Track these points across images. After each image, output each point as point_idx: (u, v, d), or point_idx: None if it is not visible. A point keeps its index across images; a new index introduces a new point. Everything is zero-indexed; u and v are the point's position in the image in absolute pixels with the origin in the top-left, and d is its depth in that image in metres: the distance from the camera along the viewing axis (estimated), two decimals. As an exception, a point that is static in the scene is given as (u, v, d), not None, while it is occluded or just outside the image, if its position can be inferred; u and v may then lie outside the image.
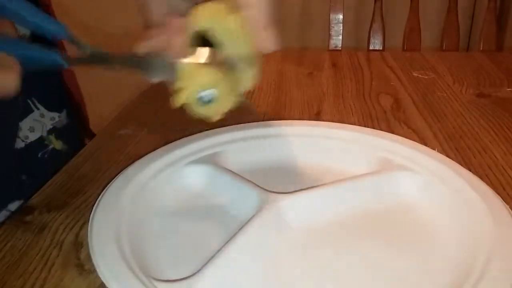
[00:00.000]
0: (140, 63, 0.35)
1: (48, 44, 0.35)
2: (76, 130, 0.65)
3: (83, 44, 0.35)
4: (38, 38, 0.36)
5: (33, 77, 0.58)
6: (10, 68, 0.32)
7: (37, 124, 0.57)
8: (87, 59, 0.35)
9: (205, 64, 0.35)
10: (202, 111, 0.35)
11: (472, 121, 0.57)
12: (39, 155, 0.57)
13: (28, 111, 0.56)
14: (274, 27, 0.34)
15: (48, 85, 0.61)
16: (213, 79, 0.34)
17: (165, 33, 0.34)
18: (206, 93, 0.35)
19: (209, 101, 0.35)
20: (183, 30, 0.34)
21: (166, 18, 0.35)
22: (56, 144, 0.59)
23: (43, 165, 0.57)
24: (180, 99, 0.34)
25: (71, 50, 0.37)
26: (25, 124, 0.56)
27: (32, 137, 0.56)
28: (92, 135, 0.69)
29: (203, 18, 0.34)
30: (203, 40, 0.35)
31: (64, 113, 0.62)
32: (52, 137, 0.59)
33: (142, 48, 0.34)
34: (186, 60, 0.34)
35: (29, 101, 0.57)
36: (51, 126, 0.59)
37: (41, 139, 0.57)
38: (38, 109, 0.57)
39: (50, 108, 0.59)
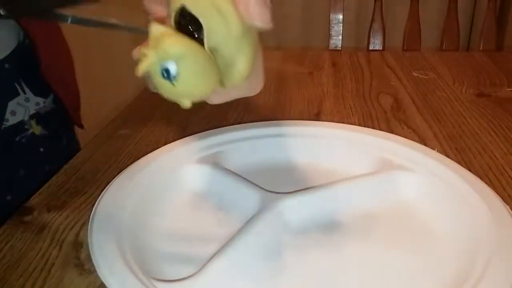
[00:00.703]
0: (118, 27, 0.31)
1: None
2: (60, 117, 0.65)
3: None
4: None
5: (24, 60, 0.58)
6: None
7: (19, 108, 0.56)
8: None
9: (180, 32, 0.29)
10: (165, 88, 0.29)
11: (472, 121, 0.57)
12: (16, 139, 0.56)
13: (14, 94, 0.56)
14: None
15: (38, 69, 0.60)
16: (182, 49, 0.28)
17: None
18: (170, 66, 0.28)
19: (173, 78, 0.28)
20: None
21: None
22: (36, 129, 0.58)
23: (19, 149, 0.57)
24: (142, 67, 0.28)
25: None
26: (8, 108, 0.55)
27: (13, 120, 0.56)
28: (80, 125, 0.69)
29: None
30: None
31: (50, 99, 0.62)
32: (33, 122, 0.58)
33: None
34: (158, 25, 0.28)
35: (16, 84, 0.56)
36: (34, 111, 0.58)
37: (21, 123, 0.57)
38: (24, 93, 0.57)
39: (36, 93, 0.59)
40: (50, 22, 0.64)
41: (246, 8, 0.29)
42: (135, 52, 0.29)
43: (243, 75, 0.31)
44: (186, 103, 0.29)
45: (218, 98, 0.33)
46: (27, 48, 0.59)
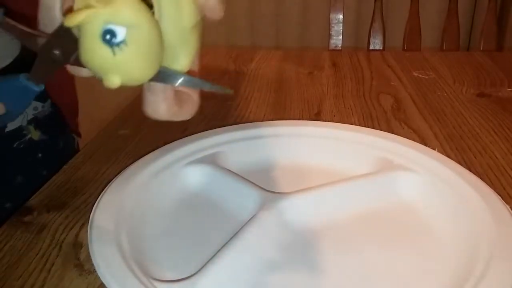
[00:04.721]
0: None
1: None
2: (58, 121, 0.64)
3: (21, 29, 0.27)
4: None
5: (26, 66, 0.58)
6: None
7: None
8: (43, 61, 0.28)
9: None
10: (101, 54, 0.24)
11: (473, 121, 0.57)
12: (14, 145, 0.56)
13: None
14: None
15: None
16: (138, 17, 0.24)
17: None
18: (118, 29, 0.23)
19: (117, 44, 0.24)
20: None
21: None
22: (34, 134, 0.58)
23: (17, 155, 0.56)
24: (77, 17, 0.23)
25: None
26: None
27: (11, 126, 0.55)
28: (77, 133, 0.68)
29: None
30: None
31: (48, 103, 0.61)
32: (31, 127, 0.58)
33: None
34: None
35: None
36: (32, 116, 0.58)
37: (19, 129, 0.56)
38: None
39: (35, 98, 0.59)
40: None
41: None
42: (78, 0, 0.24)
43: (183, 70, 0.28)
44: (115, 81, 0.25)
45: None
46: (28, 53, 0.59)
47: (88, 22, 0.23)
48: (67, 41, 0.26)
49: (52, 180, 0.45)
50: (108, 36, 0.23)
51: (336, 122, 0.55)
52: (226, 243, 0.34)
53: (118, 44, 0.24)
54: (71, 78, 0.69)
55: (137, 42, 0.24)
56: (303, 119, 0.57)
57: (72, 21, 0.23)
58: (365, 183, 0.42)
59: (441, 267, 0.34)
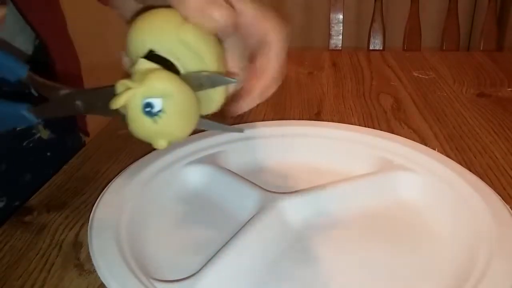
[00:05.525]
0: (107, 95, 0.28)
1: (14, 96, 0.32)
2: (67, 120, 0.64)
3: (49, 85, 0.31)
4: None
5: (38, 64, 0.58)
6: None
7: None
8: (58, 105, 0.31)
9: (164, 69, 0.28)
10: (142, 125, 0.27)
11: (473, 121, 0.57)
12: (23, 144, 0.56)
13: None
14: None
15: (50, 72, 0.60)
16: (170, 86, 0.27)
17: None
18: (155, 101, 0.27)
19: (156, 114, 0.27)
20: None
21: None
22: (44, 133, 0.58)
23: (26, 154, 0.56)
24: (120, 100, 0.26)
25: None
26: None
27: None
28: (85, 132, 0.69)
29: (148, 35, 0.28)
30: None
31: None
32: (40, 126, 0.58)
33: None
34: (145, 60, 0.28)
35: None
36: None
37: (29, 128, 0.56)
38: None
39: None
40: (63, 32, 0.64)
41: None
42: (119, 85, 0.27)
43: (219, 105, 0.31)
44: (162, 144, 0.28)
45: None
46: (40, 52, 0.59)
47: (130, 101, 0.27)
48: (91, 98, 0.30)
49: (52, 180, 0.45)
50: (147, 109, 0.27)
51: (336, 122, 0.55)
52: (226, 243, 0.34)
53: (157, 113, 0.27)
54: (80, 78, 0.70)
55: (172, 108, 0.27)
56: (303, 119, 0.57)
57: (117, 104, 0.27)
58: (365, 183, 0.42)
59: (441, 267, 0.34)
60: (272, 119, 0.55)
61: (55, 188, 0.44)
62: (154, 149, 0.45)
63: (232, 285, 0.32)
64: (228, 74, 0.31)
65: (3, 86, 0.32)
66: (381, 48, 1.09)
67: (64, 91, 0.31)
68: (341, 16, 1.07)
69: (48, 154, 0.59)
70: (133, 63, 0.28)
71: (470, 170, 0.42)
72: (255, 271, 0.33)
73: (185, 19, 0.28)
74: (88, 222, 0.35)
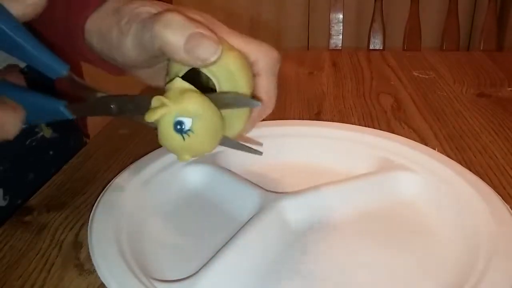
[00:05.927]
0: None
1: (52, 93, 0.34)
2: (70, 120, 0.64)
3: (87, 86, 0.33)
4: (41, 84, 0.35)
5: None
6: (13, 112, 0.32)
7: None
8: (93, 106, 0.33)
9: (198, 91, 0.30)
10: (172, 140, 0.30)
11: (473, 121, 0.57)
12: (26, 143, 0.56)
13: None
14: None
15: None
16: (201, 109, 0.30)
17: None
18: (186, 121, 0.29)
19: (186, 132, 0.30)
20: None
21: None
22: (46, 132, 0.58)
23: (29, 152, 0.56)
24: (155, 115, 0.29)
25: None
26: None
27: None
28: (85, 134, 0.69)
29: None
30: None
31: None
32: (43, 125, 0.58)
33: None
34: (182, 80, 0.30)
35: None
36: None
37: (32, 126, 0.56)
38: None
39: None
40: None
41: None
42: (155, 100, 0.30)
43: (240, 129, 0.34)
44: (186, 158, 0.31)
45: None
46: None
47: (163, 118, 0.29)
48: (125, 104, 0.32)
49: (52, 180, 0.45)
50: (178, 126, 0.29)
51: (336, 122, 0.55)
52: (226, 243, 0.34)
53: (186, 132, 0.30)
54: (81, 79, 0.70)
55: (201, 128, 0.30)
56: (303, 119, 0.57)
57: (151, 118, 0.29)
58: (365, 183, 0.42)
59: (441, 267, 0.34)
60: (272, 119, 0.55)
61: (55, 188, 0.44)
62: (154, 149, 0.45)
63: (232, 285, 0.32)
64: (254, 97, 0.34)
65: (44, 82, 0.33)
66: (381, 48, 1.09)
67: (100, 94, 0.33)
68: (341, 16, 1.08)
69: (51, 153, 0.59)
70: (170, 78, 0.31)
71: (470, 170, 0.42)
72: (255, 271, 0.33)
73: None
74: (88, 222, 0.35)
